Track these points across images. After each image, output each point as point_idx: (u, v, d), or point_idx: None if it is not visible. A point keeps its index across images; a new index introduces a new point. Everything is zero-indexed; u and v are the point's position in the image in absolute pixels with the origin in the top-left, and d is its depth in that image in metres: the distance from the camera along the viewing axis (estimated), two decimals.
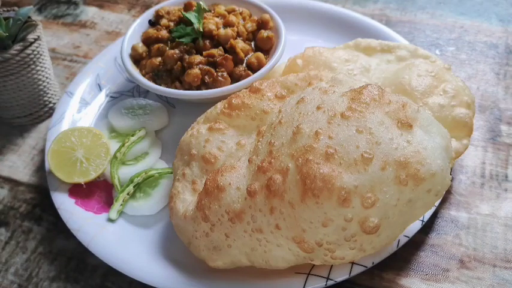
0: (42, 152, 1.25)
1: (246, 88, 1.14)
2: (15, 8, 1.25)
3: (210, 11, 1.38)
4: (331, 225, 0.80)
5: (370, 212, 0.80)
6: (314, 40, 1.45)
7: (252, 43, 1.32)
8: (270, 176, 0.85)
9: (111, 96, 1.35)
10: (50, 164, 1.11)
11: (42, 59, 1.26)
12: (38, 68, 1.25)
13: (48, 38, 1.59)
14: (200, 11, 1.26)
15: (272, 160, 0.87)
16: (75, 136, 1.14)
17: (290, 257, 0.88)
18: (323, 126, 0.86)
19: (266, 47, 1.30)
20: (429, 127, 0.89)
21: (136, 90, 1.36)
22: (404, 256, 1.00)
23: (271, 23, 1.33)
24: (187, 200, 1.00)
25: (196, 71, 1.19)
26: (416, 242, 1.01)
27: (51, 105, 1.34)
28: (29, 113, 1.31)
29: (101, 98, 1.35)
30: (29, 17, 1.23)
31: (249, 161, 0.94)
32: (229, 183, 0.91)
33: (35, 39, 1.21)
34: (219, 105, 1.10)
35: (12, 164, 1.25)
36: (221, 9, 1.37)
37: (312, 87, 1.01)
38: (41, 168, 1.22)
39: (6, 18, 1.19)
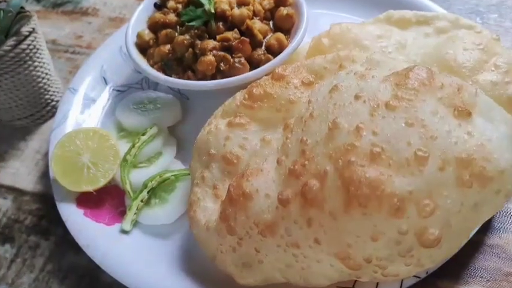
0: (47, 156, 1.13)
1: (267, 75, 1.01)
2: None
3: None
4: (382, 239, 0.68)
5: (429, 221, 0.67)
6: (339, 15, 1.30)
7: (271, 22, 1.17)
8: (305, 182, 0.73)
9: (117, 90, 1.23)
10: (54, 171, 1.00)
11: (40, 54, 1.14)
12: (36, 63, 1.13)
13: (47, 29, 1.46)
14: None
15: (306, 162, 0.74)
16: (80, 139, 1.02)
17: (332, 274, 0.76)
18: (365, 120, 0.73)
19: (286, 26, 1.16)
20: (491, 113, 0.75)
21: (145, 82, 1.24)
22: (460, 260, 0.86)
23: None
24: (208, 208, 0.88)
25: (210, 58, 1.06)
26: (474, 243, 0.88)
27: (53, 103, 1.23)
28: (30, 114, 1.19)
29: (107, 93, 1.22)
30: (22, 8, 1.11)
31: (277, 162, 0.81)
32: (257, 190, 0.79)
33: (30, 32, 1.09)
34: (238, 96, 0.97)
35: (15, 171, 1.14)
36: None
37: (345, 71, 0.88)
38: (46, 174, 1.11)
39: None
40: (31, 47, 1.10)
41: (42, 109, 1.20)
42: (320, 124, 0.77)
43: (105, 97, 1.21)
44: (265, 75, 1.03)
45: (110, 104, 1.20)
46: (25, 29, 1.08)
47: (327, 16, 1.29)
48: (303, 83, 0.93)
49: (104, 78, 1.24)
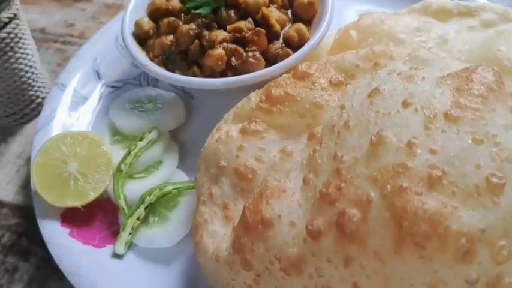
0: (30, 161, 0.98)
1: (287, 72, 0.86)
2: None
3: None
4: None
5: (506, 268, 0.52)
6: (367, 3, 1.15)
7: (289, 11, 1.02)
8: (342, 210, 0.58)
9: (112, 86, 1.08)
10: (35, 182, 0.85)
11: (23, 43, 0.98)
12: (18, 55, 0.97)
13: (35, 16, 1.31)
14: None
15: (342, 184, 0.60)
16: (66, 144, 0.87)
17: None
18: (419, 134, 0.58)
19: (307, 16, 1.01)
20: None
21: (144, 78, 1.09)
22: None
23: None
24: (218, 233, 0.73)
25: (219, 51, 0.91)
26: None
27: (39, 100, 1.08)
28: (12, 112, 1.05)
29: (100, 90, 1.07)
30: None
31: (304, 181, 0.66)
32: (279, 216, 0.64)
33: (11, 19, 0.93)
34: (253, 97, 0.82)
35: None
36: None
37: (385, 70, 0.73)
38: (28, 184, 0.97)
39: None
40: (12, 35, 0.94)
41: (25, 107, 1.05)
42: (359, 137, 0.62)
43: (97, 94, 1.07)
44: (285, 73, 0.89)
45: (103, 103, 1.05)
46: (4, 15, 0.92)
47: (352, 6, 1.14)
48: (331, 84, 0.79)
49: (97, 73, 1.09)
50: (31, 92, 1.05)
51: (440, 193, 0.54)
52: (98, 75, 1.09)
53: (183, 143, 0.97)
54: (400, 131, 0.59)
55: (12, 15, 0.93)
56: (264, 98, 0.80)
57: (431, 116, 0.59)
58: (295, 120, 0.77)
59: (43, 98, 1.08)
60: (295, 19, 1.01)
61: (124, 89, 1.07)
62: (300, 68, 0.81)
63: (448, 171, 0.54)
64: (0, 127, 1.07)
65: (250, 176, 0.74)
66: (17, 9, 0.95)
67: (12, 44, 0.95)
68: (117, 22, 1.14)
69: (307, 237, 0.60)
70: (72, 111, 1.02)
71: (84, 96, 1.05)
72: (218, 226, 0.74)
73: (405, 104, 0.62)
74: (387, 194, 0.55)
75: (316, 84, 0.78)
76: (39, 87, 1.07)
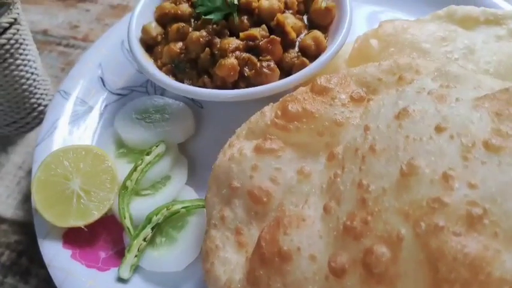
0: (30, 174, 0.93)
1: (303, 84, 0.81)
2: None
3: None
4: None
5: None
6: (387, 9, 1.09)
7: (305, 17, 0.96)
8: (369, 247, 0.53)
9: (118, 94, 1.03)
10: (35, 200, 0.80)
11: (24, 49, 0.93)
12: (19, 61, 0.92)
13: (37, 17, 1.26)
14: None
15: (369, 218, 0.55)
16: (69, 159, 0.82)
17: None
18: (455, 165, 0.53)
19: (324, 22, 0.95)
20: None
21: (151, 85, 1.04)
22: None
23: None
24: (230, 261, 0.68)
25: (231, 61, 0.86)
26: None
27: (41, 108, 1.03)
28: (12, 121, 1.00)
29: (105, 97, 1.02)
30: None
31: (324, 208, 0.61)
32: (298, 248, 0.59)
33: (11, 24, 0.88)
34: (268, 112, 0.77)
35: None
36: None
37: (413, 87, 0.67)
38: (28, 197, 0.92)
39: None
40: (12, 41, 0.89)
41: (26, 115, 1.00)
42: (387, 164, 0.57)
43: (102, 102, 1.02)
44: (301, 85, 0.84)
45: (108, 111, 1.00)
46: (4, 20, 0.87)
47: (371, 10, 1.08)
48: (352, 99, 0.73)
49: (102, 80, 1.04)
50: (32, 100, 1.00)
51: (481, 234, 0.48)
52: (103, 82, 1.04)
53: (192, 156, 0.92)
54: (434, 160, 0.54)
55: (12, 20, 0.88)
56: (279, 113, 0.75)
57: (469, 145, 0.53)
58: (313, 138, 0.72)
59: (45, 106, 1.03)
60: (311, 25, 0.95)
61: (130, 97, 1.02)
62: (318, 82, 0.75)
63: (490, 209, 0.49)
64: (0, 136, 1.02)
65: (265, 199, 0.69)
66: (18, 14, 0.90)
67: (12, 51, 0.90)
68: (123, 25, 1.09)
69: (330, 275, 0.55)
70: (75, 121, 0.97)
71: (88, 104, 1.00)
72: (230, 253, 0.69)
73: (439, 129, 0.56)
74: (421, 232, 0.50)
75: (336, 100, 0.73)
76: (41, 94, 1.02)
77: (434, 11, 0.96)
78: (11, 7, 0.89)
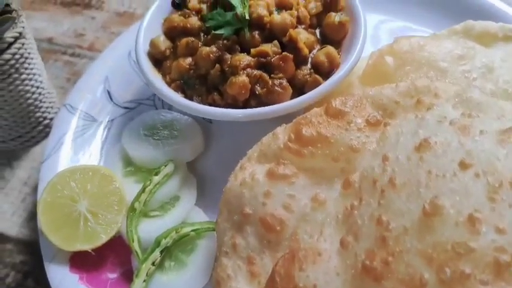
0: (36, 190, 0.91)
1: (316, 103, 0.79)
2: None
3: None
4: None
5: None
6: (400, 22, 1.06)
7: (317, 31, 0.94)
8: None
9: (125, 107, 1.01)
10: (42, 222, 0.78)
11: (29, 63, 0.91)
12: (24, 76, 0.90)
13: (42, 24, 1.23)
14: None
15: (390, 258, 0.53)
16: (75, 180, 0.80)
17: None
18: (482, 206, 0.51)
19: (338, 37, 0.92)
20: None
21: (159, 98, 1.01)
22: None
23: (342, 1, 0.94)
24: None
25: (243, 78, 0.83)
26: None
27: (46, 121, 1.00)
28: (18, 135, 0.97)
29: (112, 111, 1.00)
30: (7, 5, 0.88)
31: (341, 243, 0.60)
32: (314, 285, 0.58)
33: (16, 38, 0.86)
34: (281, 134, 0.75)
35: None
36: None
37: (435, 116, 0.65)
38: (34, 215, 0.89)
39: None
40: (17, 56, 0.87)
41: (32, 129, 0.98)
42: (408, 201, 0.55)
43: (109, 116, 0.99)
44: (314, 103, 0.82)
45: (116, 126, 0.98)
46: (9, 35, 0.85)
47: (383, 23, 1.05)
48: (368, 123, 0.71)
49: (109, 92, 1.02)
50: (38, 114, 0.97)
51: (509, 283, 0.46)
52: (110, 95, 1.02)
53: (201, 174, 0.90)
54: (459, 200, 0.52)
55: (17, 35, 0.86)
56: (293, 137, 0.72)
57: (496, 185, 0.51)
58: (328, 164, 0.70)
59: (51, 119, 1.01)
60: (324, 40, 0.93)
61: (137, 110, 1.00)
62: (333, 105, 0.73)
63: None
64: (5, 150, 1.00)
65: (278, 228, 0.67)
66: (23, 27, 0.87)
67: (17, 65, 0.88)
68: (130, 35, 1.07)
69: None
70: (81, 136, 0.95)
71: (94, 118, 0.98)
72: (242, 283, 0.67)
73: (463, 166, 0.54)
74: (446, 279, 0.48)
75: (351, 124, 0.71)
76: (47, 107, 0.99)
77: (450, 23, 0.94)
78: (16, 21, 0.86)
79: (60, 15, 1.26)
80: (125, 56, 1.07)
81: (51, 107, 1.01)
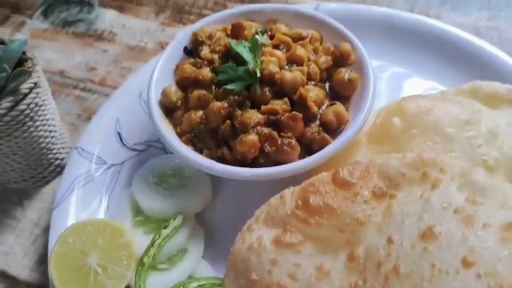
0: (46, 231, 0.93)
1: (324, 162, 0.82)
2: (3, 40, 0.91)
3: (266, 32, 1.01)
4: None
5: None
6: (402, 69, 1.09)
7: (327, 84, 0.95)
8: None
9: (134, 150, 1.03)
10: (53, 274, 0.80)
11: (43, 110, 0.93)
12: (38, 123, 0.92)
13: (55, 56, 1.25)
14: (257, 47, 0.90)
15: None
16: (87, 233, 0.83)
17: None
18: None
19: (346, 93, 0.94)
20: None
21: None
22: None
23: (352, 56, 0.96)
24: None
25: (252, 137, 0.85)
26: None
27: (58, 161, 1.02)
28: (30, 176, 0.99)
29: (122, 153, 1.02)
30: (24, 53, 0.89)
31: None
32: None
33: (31, 89, 0.87)
34: (289, 199, 0.77)
35: (8, 249, 0.95)
36: (282, 30, 1.00)
37: (440, 200, 0.67)
38: (44, 259, 0.92)
39: None
40: (32, 105, 0.89)
41: (43, 170, 1.00)
42: None
43: (120, 159, 1.01)
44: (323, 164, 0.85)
45: (126, 168, 1.00)
46: (25, 86, 0.86)
47: (385, 69, 1.07)
48: (375, 194, 0.73)
49: (119, 134, 1.04)
50: (50, 156, 0.99)
51: None
52: (120, 137, 1.03)
53: (208, 225, 0.92)
54: None
55: (32, 85, 0.88)
56: (300, 204, 0.74)
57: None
58: (334, 234, 0.72)
59: (62, 159, 1.03)
60: (333, 93, 0.94)
61: (147, 152, 1.02)
62: (341, 175, 0.75)
63: None
64: (16, 189, 1.02)
65: None
66: (38, 77, 0.89)
67: (32, 114, 0.89)
68: (141, 76, 1.09)
69: None
70: (92, 180, 0.96)
71: (105, 161, 1.00)
72: None
73: (466, 264, 0.56)
74: None
75: (358, 197, 0.73)
76: (59, 148, 1.01)
77: (450, 71, 1.02)
78: (32, 71, 0.88)
79: (72, 47, 1.27)
80: (135, 96, 1.08)
81: (63, 147, 1.03)
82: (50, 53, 1.26)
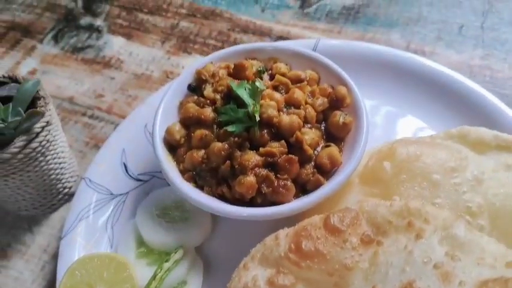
0: (55, 258, 0.99)
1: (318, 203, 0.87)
2: (17, 78, 0.96)
3: (266, 70, 1.07)
4: None
5: None
6: (395, 109, 1.14)
7: (322, 125, 1.00)
8: None
9: (139, 180, 1.08)
10: None
11: (54, 145, 0.98)
12: (49, 157, 0.97)
13: (65, 82, 1.30)
14: (256, 92, 0.95)
15: None
16: (94, 267, 0.88)
17: None
18: None
19: (340, 135, 0.99)
20: None
21: None
22: None
23: (347, 99, 1.01)
24: None
25: (250, 179, 0.90)
26: None
27: (66, 190, 1.08)
28: (40, 205, 1.05)
29: (128, 184, 1.07)
30: (38, 92, 0.94)
31: None
32: None
33: (43, 127, 0.93)
34: (282, 241, 0.83)
35: (18, 274, 1.01)
36: (282, 69, 1.06)
37: (422, 253, 0.72)
38: (52, 285, 0.97)
39: (5, 100, 0.90)
40: (44, 142, 0.94)
41: (53, 199, 1.06)
42: None
43: (125, 189, 1.07)
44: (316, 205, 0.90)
45: (130, 198, 1.05)
46: (38, 125, 0.92)
47: (383, 109, 1.13)
48: (363, 241, 0.79)
49: (125, 165, 1.09)
50: (59, 185, 1.05)
51: None
52: (126, 168, 1.09)
53: (207, 256, 0.97)
54: None
55: (45, 124, 0.93)
56: (293, 248, 0.80)
57: None
58: (323, 277, 0.77)
59: (70, 188, 1.09)
60: (328, 136, 0.99)
61: (151, 183, 1.07)
62: (332, 222, 0.81)
63: None
64: (26, 216, 1.07)
65: None
66: (50, 115, 0.94)
67: (43, 150, 0.95)
68: (146, 107, 1.15)
69: None
70: (99, 210, 1.02)
71: (111, 192, 1.05)
72: None
73: None
74: None
75: (347, 243, 0.78)
76: (68, 177, 1.07)
77: (440, 110, 1.08)
78: (45, 110, 0.93)
79: (81, 73, 1.33)
80: (141, 127, 1.14)
81: (71, 176, 1.09)
82: (60, 79, 1.31)
